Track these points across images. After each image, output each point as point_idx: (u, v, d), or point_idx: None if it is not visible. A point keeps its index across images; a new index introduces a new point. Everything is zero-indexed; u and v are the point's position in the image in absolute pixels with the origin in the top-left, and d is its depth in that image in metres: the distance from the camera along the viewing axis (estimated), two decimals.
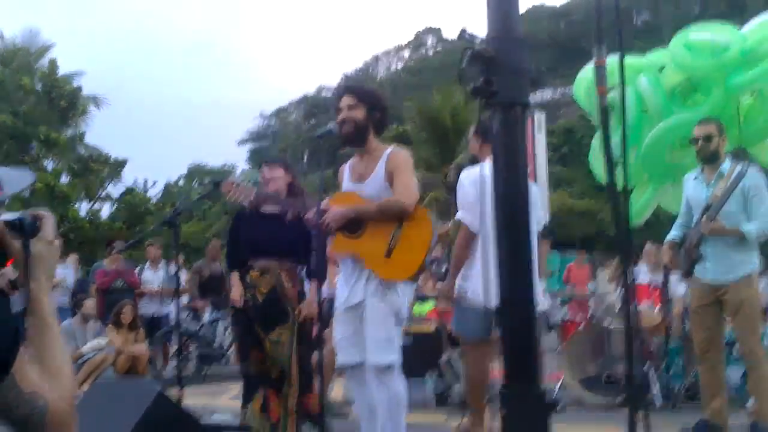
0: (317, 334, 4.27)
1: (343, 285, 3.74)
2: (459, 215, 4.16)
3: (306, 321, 4.47)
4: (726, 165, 4.67)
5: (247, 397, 4.44)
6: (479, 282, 3.63)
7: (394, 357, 3.57)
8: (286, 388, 4.35)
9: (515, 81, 2.49)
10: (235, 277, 4.63)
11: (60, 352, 1.33)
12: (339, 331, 3.73)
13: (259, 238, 4.50)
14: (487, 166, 3.12)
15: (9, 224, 1.30)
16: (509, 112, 2.49)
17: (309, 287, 4.55)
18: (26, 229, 1.31)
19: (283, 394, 4.35)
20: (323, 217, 3.56)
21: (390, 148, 3.76)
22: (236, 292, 4.59)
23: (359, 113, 3.70)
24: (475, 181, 3.91)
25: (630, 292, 2.49)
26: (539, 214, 4.49)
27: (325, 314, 4.80)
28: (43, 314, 1.30)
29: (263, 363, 4.38)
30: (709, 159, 4.73)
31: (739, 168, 4.55)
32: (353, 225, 3.63)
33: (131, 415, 3.36)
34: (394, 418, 3.59)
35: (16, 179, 1.38)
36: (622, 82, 2.15)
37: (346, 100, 3.74)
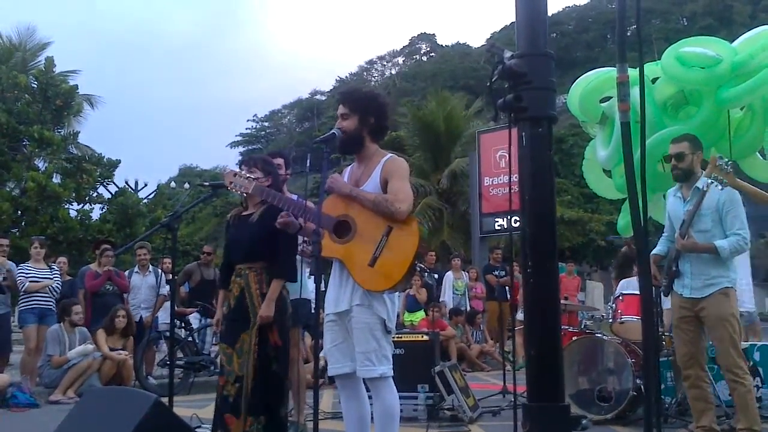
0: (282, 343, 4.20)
1: (332, 289, 3.71)
2: None
3: (264, 325, 4.14)
4: (702, 181, 4.70)
5: (214, 425, 4.21)
6: None
7: (385, 368, 3.53)
8: (241, 407, 4.05)
9: (543, 96, 2.58)
10: (220, 297, 4.51)
11: None
12: (329, 339, 3.68)
13: (231, 240, 4.44)
14: None
15: None
16: (537, 126, 2.57)
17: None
18: None
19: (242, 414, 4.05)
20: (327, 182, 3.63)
21: (387, 156, 3.76)
22: (217, 313, 4.49)
23: (351, 123, 3.70)
24: None
25: (652, 308, 2.52)
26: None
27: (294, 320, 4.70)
28: None
29: (226, 385, 4.14)
30: (683, 177, 4.81)
31: (707, 184, 4.58)
32: (343, 229, 3.61)
33: (126, 424, 3.31)
34: (387, 430, 3.56)
35: None
36: (643, 91, 2.17)
37: (340, 109, 3.77)
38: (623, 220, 7.31)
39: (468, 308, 12.12)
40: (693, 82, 6.31)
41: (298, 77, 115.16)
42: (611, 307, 6.42)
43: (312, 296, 5.28)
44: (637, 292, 6.33)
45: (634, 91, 6.40)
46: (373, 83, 63.69)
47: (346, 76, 66.87)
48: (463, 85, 47.64)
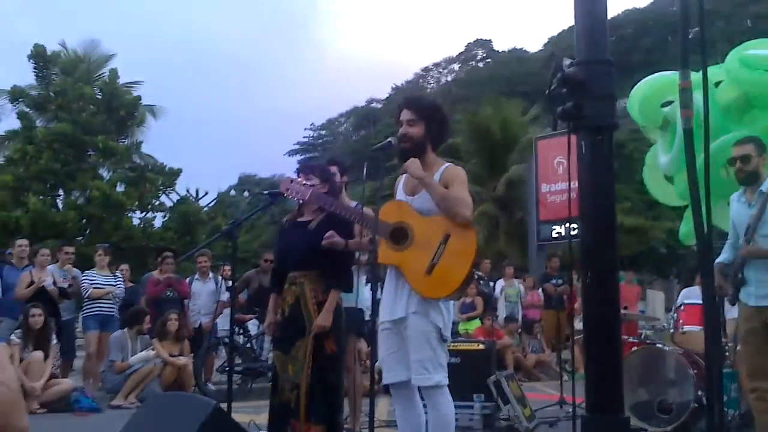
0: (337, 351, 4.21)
1: (387, 296, 3.71)
2: None
3: (320, 334, 4.15)
4: (767, 184, 4.54)
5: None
6: None
7: (440, 376, 3.52)
8: (300, 413, 4.07)
9: (603, 105, 2.52)
10: (271, 301, 4.56)
11: None
12: (384, 348, 3.68)
13: (286, 247, 4.44)
14: None
15: None
16: (597, 135, 2.51)
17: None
18: None
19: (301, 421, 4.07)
20: (406, 164, 3.62)
21: (445, 165, 3.76)
22: (269, 317, 4.53)
23: (417, 129, 3.71)
24: None
25: (714, 318, 2.44)
26: None
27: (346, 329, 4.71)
28: None
29: (283, 391, 4.17)
30: (748, 180, 4.65)
31: None
32: (400, 236, 3.61)
33: (186, 429, 3.36)
34: None
35: None
36: (707, 97, 2.10)
37: (406, 115, 3.75)
38: (685, 227, 7.11)
39: (521, 317, 11.98)
40: (758, 85, 6.11)
41: (353, 85, 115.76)
42: (673, 317, 6.26)
43: (363, 305, 5.30)
44: (700, 301, 6.15)
45: (697, 96, 6.28)
46: (428, 90, 63.69)
47: (402, 84, 66.90)
48: (519, 91, 47.19)
